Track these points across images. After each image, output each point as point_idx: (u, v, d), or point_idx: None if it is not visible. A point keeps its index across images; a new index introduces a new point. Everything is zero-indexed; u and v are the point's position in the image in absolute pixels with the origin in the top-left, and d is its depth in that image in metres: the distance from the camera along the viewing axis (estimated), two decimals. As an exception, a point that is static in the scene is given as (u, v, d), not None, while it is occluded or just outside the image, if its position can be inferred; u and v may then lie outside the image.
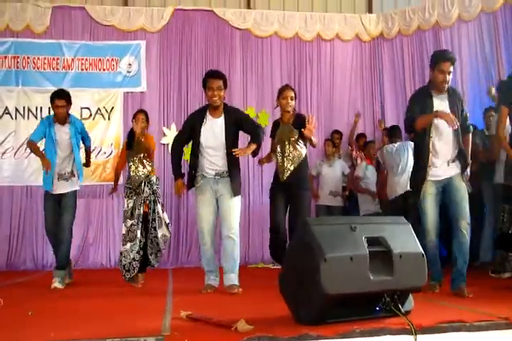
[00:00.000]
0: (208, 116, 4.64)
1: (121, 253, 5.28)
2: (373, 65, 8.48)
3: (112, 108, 7.78)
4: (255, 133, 4.62)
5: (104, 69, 7.74)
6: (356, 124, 8.12)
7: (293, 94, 5.10)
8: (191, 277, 5.74)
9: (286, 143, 5.05)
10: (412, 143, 6.85)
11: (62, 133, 5.32)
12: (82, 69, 7.68)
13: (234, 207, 4.60)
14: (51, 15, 7.68)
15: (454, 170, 4.34)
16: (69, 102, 5.42)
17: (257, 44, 8.20)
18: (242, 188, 4.97)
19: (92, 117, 7.69)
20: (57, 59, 7.62)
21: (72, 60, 7.65)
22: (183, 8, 8.10)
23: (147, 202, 5.38)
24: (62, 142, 5.32)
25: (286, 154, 5.05)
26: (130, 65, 7.82)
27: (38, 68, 7.59)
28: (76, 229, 5.97)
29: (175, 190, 4.85)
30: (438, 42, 7.70)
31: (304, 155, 5.09)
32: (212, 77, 4.60)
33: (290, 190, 5.02)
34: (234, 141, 4.62)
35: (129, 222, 5.27)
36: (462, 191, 4.29)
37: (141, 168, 5.46)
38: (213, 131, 4.59)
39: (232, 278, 4.54)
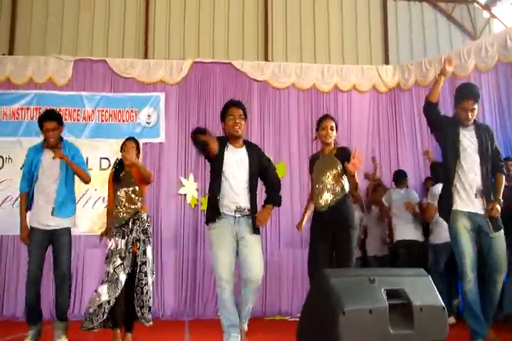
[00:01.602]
0: (229, 145, 4.17)
1: (93, 294, 4.60)
2: (390, 116, 8.50)
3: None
4: (274, 185, 4.31)
5: (123, 121, 7.86)
6: (376, 169, 7.62)
7: (333, 124, 4.63)
8: (209, 330, 5.39)
9: (328, 174, 4.52)
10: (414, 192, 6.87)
11: (53, 160, 4.76)
12: (102, 121, 7.81)
13: (258, 248, 4.09)
14: (73, 67, 7.89)
15: (483, 207, 4.13)
16: (60, 124, 4.88)
17: (274, 95, 8.30)
18: None
19: (112, 167, 7.73)
20: (78, 110, 7.77)
21: (93, 111, 7.80)
22: (202, 60, 8.29)
23: (136, 242, 4.72)
24: (52, 169, 4.77)
25: (328, 186, 4.50)
26: (149, 116, 7.93)
27: (59, 120, 7.74)
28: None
29: (209, 141, 4.01)
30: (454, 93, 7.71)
31: (347, 190, 4.49)
32: (234, 105, 4.22)
33: (333, 228, 4.43)
34: (256, 177, 4.20)
35: (117, 262, 4.59)
36: (499, 240, 4.10)
37: (128, 204, 4.84)
38: (236, 160, 4.14)
39: (245, 327, 4.13)
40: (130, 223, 4.78)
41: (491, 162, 4.22)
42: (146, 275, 4.70)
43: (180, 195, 7.81)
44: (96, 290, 4.59)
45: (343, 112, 8.37)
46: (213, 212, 4.09)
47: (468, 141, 4.21)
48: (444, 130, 4.27)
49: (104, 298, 4.48)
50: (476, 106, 4.22)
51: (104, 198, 7.36)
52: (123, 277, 4.59)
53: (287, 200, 7.94)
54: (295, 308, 7.25)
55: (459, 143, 4.18)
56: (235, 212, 4.08)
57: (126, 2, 8.75)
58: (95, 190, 7.38)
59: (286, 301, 7.58)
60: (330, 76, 8.40)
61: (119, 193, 4.88)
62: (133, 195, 4.86)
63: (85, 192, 7.42)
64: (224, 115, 4.23)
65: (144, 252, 4.74)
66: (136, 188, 4.87)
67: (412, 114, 8.33)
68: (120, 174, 4.92)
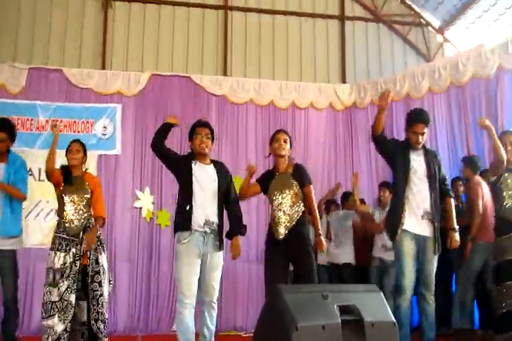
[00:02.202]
0: (197, 161, 4.29)
1: (44, 330, 4.26)
2: (346, 134, 8.64)
3: (86, 170, 7.68)
4: (235, 211, 4.37)
5: (78, 131, 7.70)
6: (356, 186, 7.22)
7: (287, 137, 4.60)
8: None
9: (284, 195, 4.47)
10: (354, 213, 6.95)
11: None
12: (56, 131, 7.66)
13: (218, 270, 4.24)
14: (27, 76, 7.71)
15: (428, 229, 4.28)
16: (12, 137, 4.70)
17: (232, 110, 8.32)
18: None
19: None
20: (32, 120, 7.59)
21: (47, 121, 7.61)
22: (160, 73, 8.24)
23: (87, 252, 4.48)
24: None
25: (284, 208, 4.46)
26: (105, 127, 7.83)
27: (12, 129, 7.55)
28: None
29: (170, 119, 4.31)
30: (409, 113, 7.92)
31: (303, 212, 4.48)
32: (201, 125, 4.37)
33: (290, 252, 4.42)
34: (224, 193, 4.29)
35: (64, 286, 4.31)
36: (434, 263, 4.28)
37: (83, 211, 4.60)
38: (205, 174, 4.25)
39: None
40: (80, 234, 4.54)
41: (439, 187, 4.37)
42: (100, 285, 4.46)
43: (136, 208, 7.70)
44: (46, 324, 4.29)
45: (300, 129, 8.45)
46: (184, 221, 4.13)
47: (417, 164, 4.35)
48: (394, 155, 4.42)
49: (60, 328, 4.27)
50: (426, 131, 4.39)
51: (56, 210, 7.20)
52: (72, 297, 4.37)
53: (244, 215, 7.91)
54: (250, 324, 7.21)
55: (409, 166, 4.32)
56: (203, 225, 4.14)
57: (84, 11, 8.63)
58: (47, 202, 7.20)
59: (241, 316, 7.55)
60: (288, 93, 8.49)
61: (68, 198, 4.59)
62: (85, 203, 4.65)
63: (37, 203, 7.26)
64: (191, 134, 4.36)
65: (96, 261, 4.51)
66: (88, 197, 4.65)
67: (367, 132, 8.45)
68: (70, 178, 4.66)
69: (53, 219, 7.08)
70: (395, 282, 4.78)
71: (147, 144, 7.83)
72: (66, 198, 4.60)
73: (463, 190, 6.34)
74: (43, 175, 7.15)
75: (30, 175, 7.24)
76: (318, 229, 4.48)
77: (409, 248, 4.23)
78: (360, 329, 2.83)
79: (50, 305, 4.33)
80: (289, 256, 4.42)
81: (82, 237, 4.50)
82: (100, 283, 4.46)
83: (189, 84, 8.26)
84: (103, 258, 4.58)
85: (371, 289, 3.18)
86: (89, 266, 4.48)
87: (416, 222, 4.27)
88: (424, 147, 4.47)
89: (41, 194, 7.15)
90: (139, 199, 7.70)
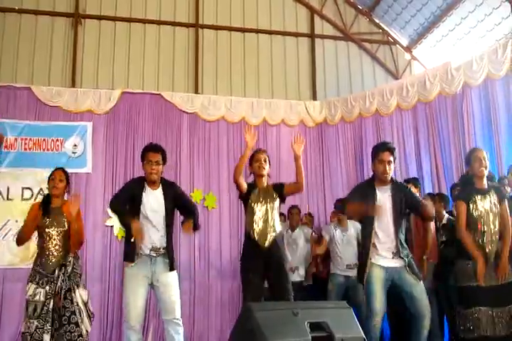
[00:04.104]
0: (147, 187, 4.33)
1: None
2: (318, 150, 8.71)
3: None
4: (191, 210, 4.44)
5: (48, 149, 7.63)
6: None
7: (266, 157, 4.70)
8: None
9: (269, 207, 4.59)
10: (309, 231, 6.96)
11: None
12: (25, 149, 7.54)
13: (174, 286, 4.24)
14: (-5, 94, 7.63)
15: (399, 263, 4.21)
16: None
17: (204, 128, 8.34)
18: (187, 268, 4.67)
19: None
20: (0, 138, 7.51)
21: (15, 139, 7.51)
22: (131, 90, 8.23)
23: (59, 293, 4.27)
24: None
25: (269, 219, 4.55)
26: (76, 145, 7.76)
27: (-22, 147, 7.44)
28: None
29: (136, 235, 4.10)
30: (378, 129, 8.05)
31: (281, 227, 4.70)
32: (152, 150, 4.37)
33: (271, 262, 4.47)
34: (172, 215, 4.37)
35: (34, 324, 4.14)
36: (419, 285, 4.19)
37: (59, 245, 4.39)
38: (153, 201, 4.29)
39: None
40: (56, 271, 4.33)
41: (417, 213, 4.41)
42: (77, 326, 4.26)
43: (107, 226, 7.62)
44: None
45: (272, 145, 8.49)
46: (130, 251, 4.22)
47: (383, 206, 4.23)
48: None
49: None
50: (392, 159, 4.28)
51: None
52: (46, 338, 4.15)
53: (216, 231, 7.93)
54: (223, 339, 7.15)
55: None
56: (150, 250, 4.20)
57: (54, 28, 8.58)
58: (16, 221, 7.07)
59: (214, 333, 7.48)
60: (259, 110, 8.55)
61: (45, 232, 4.38)
62: (61, 237, 4.41)
63: (5, 223, 7.14)
64: (142, 159, 4.38)
65: (71, 301, 4.29)
66: (65, 230, 4.41)
67: (338, 148, 8.57)
68: (49, 209, 4.45)
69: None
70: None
71: (118, 162, 7.87)
72: (44, 232, 4.41)
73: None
74: (11, 194, 7.14)
75: (-3, 193, 7.16)
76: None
77: (378, 275, 4.18)
78: (331, 346, 2.85)
79: (28, 337, 4.18)
80: (266, 270, 4.47)
81: (58, 275, 4.32)
82: (77, 324, 4.28)
83: (160, 102, 8.26)
84: (78, 296, 4.35)
85: (341, 305, 3.20)
86: (62, 307, 4.28)
87: (386, 259, 4.22)
88: (392, 181, 4.34)
89: (9, 213, 7.05)
90: (110, 217, 7.61)
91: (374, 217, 4.22)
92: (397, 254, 4.22)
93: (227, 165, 8.22)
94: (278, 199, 4.65)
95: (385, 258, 4.22)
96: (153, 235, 4.24)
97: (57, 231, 4.42)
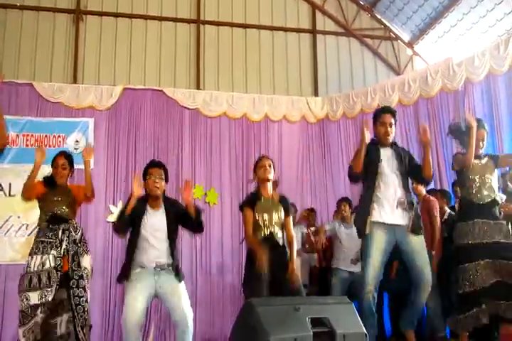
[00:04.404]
0: (148, 209, 4.21)
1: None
2: (319, 146, 8.71)
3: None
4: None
5: (50, 146, 7.61)
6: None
7: (270, 162, 4.62)
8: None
9: (274, 217, 4.48)
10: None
11: None
12: (26, 145, 7.55)
13: (181, 293, 4.11)
14: (-4, 90, 7.64)
15: (403, 218, 4.13)
16: None
17: (205, 124, 8.33)
18: (189, 264, 4.51)
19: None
20: (2, 134, 7.51)
21: (17, 135, 7.52)
22: (133, 87, 8.23)
23: (67, 255, 4.27)
24: None
25: (276, 229, 4.47)
26: (77, 141, 7.76)
27: (-19, 143, 7.44)
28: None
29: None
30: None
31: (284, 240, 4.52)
32: (155, 166, 4.29)
33: (274, 270, 4.28)
34: (176, 231, 4.27)
35: (35, 294, 4.12)
36: (422, 250, 4.12)
37: (66, 210, 4.43)
38: (155, 222, 4.17)
39: None
40: (60, 233, 4.33)
41: (414, 175, 4.31)
42: (85, 291, 4.25)
43: (109, 222, 7.62)
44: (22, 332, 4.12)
45: (274, 141, 8.51)
46: (126, 272, 4.07)
47: (387, 161, 4.23)
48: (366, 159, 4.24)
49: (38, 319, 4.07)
50: (393, 121, 4.30)
51: (27, 225, 7.09)
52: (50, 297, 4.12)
53: (218, 227, 7.94)
54: (225, 336, 7.17)
55: (379, 164, 4.21)
56: (154, 268, 4.08)
57: (55, 24, 8.57)
58: (18, 217, 7.11)
59: (216, 329, 7.48)
60: (261, 106, 8.54)
61: (56, 199, 4.41)
62: (66, 206, 4.45)
63: (7, 219, 7.15)
64: (145, 174, 4.27)
65: (79, 264, 4.29)
66: (70, 200, 4.48)
67: (339, 144, 8.56)
68: (54, 184, 4.48)
69: (24, 235, 7.01)
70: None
71: (120, 158, 7.87)
72: (48, 200, 4.44)
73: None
74: (13, 190, 7.12)
75: (0, 190, 7.17)
76: (293, 258, 4.43)
77: (379, 241, 4.08)
78: (332, 341, 2.86)
79: (29, 310, 4.17)
80: (273, 275, 4.27)
81: (61, 238, 4.30)
82: (85, 288, 4.27)
83: (162, 98, 8.26)
84: (86, 261, 4.37)
85: (342, 301, 3.21)
86: (71, 271, 4.27)
87: (389, 212, 4.13)
88: (393, 144, 4.35)
89: (11, 209, 7.05)
90: (112, 213, 7.63)
91: (377, 170, 4.18)
92: (402, 205, 4.14)
93: (228, 161, 8.23)
94: (282, 214, 4.53)
95: (388, 209, 4.13)
96: (158, 251, 4.11)
97: (62, 200, 4.43)
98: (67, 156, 4.69)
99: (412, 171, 4.31)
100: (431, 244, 5.49)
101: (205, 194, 8.00)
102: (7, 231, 7.18)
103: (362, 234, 4.19)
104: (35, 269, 4.21)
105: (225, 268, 7.71)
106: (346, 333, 2.91)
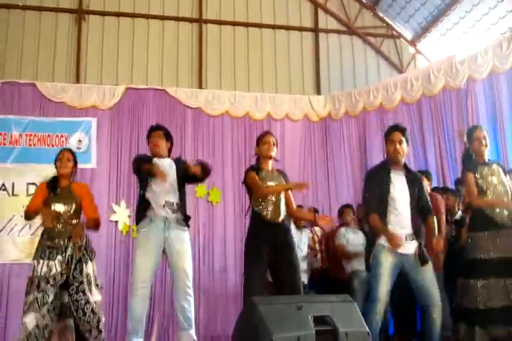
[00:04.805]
0: (155, 159, 4.46)
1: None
2: (322, 145, 8.70)
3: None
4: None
5: (52, 145, 7.62)
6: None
7: (275, 140, 4.63)
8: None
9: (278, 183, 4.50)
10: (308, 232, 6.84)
11: None
12: (29, 145, 7.56)
13: (188, 255, 4.30)
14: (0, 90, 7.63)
15: (412, 247, 4.04)
16: None
17: (208, 122, 8.33)
18: (192, 262, 4.50)
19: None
20: (5, 134, 7.50)
21: (20, 135, 7.54)
22: (135, 86, 8.23)
23: (70, 263, 4.25)
24: None
25: (278, 199, 4.44)
26: (80, 141, 7.77)
27: (-16, 143, 7.47)
28: None
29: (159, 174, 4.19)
30: (382, 124, 8.02)
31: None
32: (153, 129, 4.68)
33: (281, 244, 4.32)
34: (182, 181, 4.44)
35: (39, 294, 4.10)
36: (429, 273, 4.05)
37: (69, 219, 4.39)
38: (164, 167, 4.35)
39: (193, 334, 4.22)
40: (65, 241, 4.29)
41: (421, 208, 4.22)
42: (84, 294, 4.19)
43: (112, 221, 7.64)
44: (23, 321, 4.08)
45: (276, 140, 8.46)
46: (142, 213, 4.32)
47: (399, 188, 4.14)
48: (378, 185, 4.17)
49: (36, 321, 4.04)
50: (403, 139, 4.22)
51: (31, 225, 7.09)
52: (51, 298, 4.11)
53: (220, 226, 7.94)
54: (228, 334, 7.17)
55: (390, 191, 4.12)
56: (163, 206, 4.28)
57: (57, 24, 8.58)
58: (21, 216, 7.07)
59: (219, 326, 7.48)
60: (263, 104, 8.54)
61: (54, 207, 4.37)
62: (72, 212, 4.41)
63: (11, 218, 7.17)
64: (148, 137, 4.66)
65: (81, 272, 4.25)
66: (75, 206, 4.41)
67: (342, 142, 8.55)
68: (57, 188, 4.44)
69: (27, 234, 7.03)
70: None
71: (123, 157, 7.87)
72: (52, 207, 4.38)
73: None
74: (17, 190, 7.16)
75: (4, 190, 7.18)
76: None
77: (386, 260, 4.00)
78: (335, 339, 2.86)
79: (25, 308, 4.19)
80: (274, 255, 4.28)
81: (66, 245, 4.27)
82: (84, 292, 4.21)
83: (164, 97, 8.26)
84: (89, 268, 4.32)
85: (345, 299, 3.20)
86: (71, 276, 4.23)
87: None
88: (405, 167, 4.27)
89: (15, 209, 7.06)
90: (115, 212, 7.65)
91: (388, 199, 4.10)
92: (410, 237, 4.06)
93: (231, 160, 8.23)
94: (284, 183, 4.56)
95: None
96: (166, 194, 4.33)
97: (66, 207, 4.40)
98: (72, 152, 4.72)
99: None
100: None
101: (208, 193, 8.00)
102: (11, 230, 7.19)
103: (368, 262, 4.14)
104: (42, 274, 4.19)
105: (228, 265, 7.71)
106: (349, 331, 2.91)
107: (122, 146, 7.93)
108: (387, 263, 4.01)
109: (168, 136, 4.66)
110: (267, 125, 8.49)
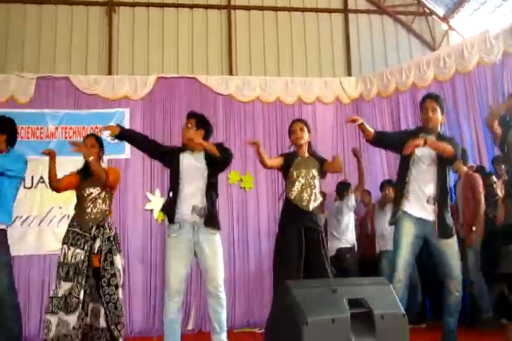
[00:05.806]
0: (186, 151, 4.29)
1: (46, 326, 4.11)
2: (354, 127, 8.57)
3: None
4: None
5: (88, 137, 7.75)
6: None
7: (302, 125, 4.63)
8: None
9: (312, 174, 4.52)
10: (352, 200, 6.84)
11: None
12: (65, 138, 7.66)
13: (217, 257, 4.18)
14: (35, 85, 7.78)
15: (433, 213, 4.02)
16: (5, 132, 4.20)
17: (239, 109, 8.33)
18: (226, 251, 4.56)
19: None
20: (41, 128, 7.66)
21: (56, 128, 7.69)
22: (166, 75, 8.27)
23: (99, 253, 4.29)
24: None
25: (311, 186, 4.49)
26: (114, 132, 7.85)
27: (22, 138, 7.54)
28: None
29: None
30: (415, 103, 7.87)
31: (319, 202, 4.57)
32: (188, 116, 4.36)
33: (312, 232, 4.38)
34: (213, 179, 4.26)
35: (68, 284, 4.17)
36: (450, 246, 4.00)
37: (99, 204, 4.47)
38: (193, 161, 4.23)
39: (224, 338, 4.22)
40: (93, 229, 4.36)
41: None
42: (117, 289, 4.30)
43: (147, 210, 7.74)
44: (47, 318, 4.15)
45: (306, 123, 8.41)
46: (170, 213, 4.18)
47: (423, 151, 4.06)
48: (402, 143, 4.06)
49: (71, 322, 4.09)
50: (436, 107, 4.16)
51: (68, 216, 7.23)
52: (81, 295, 4.16)
53: (254, 212, 7.97)
54: (264, 320, 7.20)
55: (414, 152, 4.06)
56: (191, 211, 4.13)
57: (88, 17, 8.73)
58: (60, 208, 7.29)
59: (255, 313, 7.51)
60: (293, 88, 8.47)
61: (84, 192, 4.47)
62: (106, 195, 4.52)
63: (50, 210, 7.34)
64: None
65: (112, 263, 4.32)
66: (105, 192, 4.52)
67: (374, 124, 8.43)
68: (88, 175, 4.51)
69: (66, 225, 7.17)
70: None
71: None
72: (84, 190, 4.51)
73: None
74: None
75: (42, 182, 7.34)
76: None
77: (407, 228, 3.99)
78: (370, 322, 2.83)
79: (54, 301, 4.23)
80: (304, 241, 4.33)
81: (94, 234, 4.34)
82: (117, 286, 4.31)
83: (195, 85, 8.28)
84: (118, 260, 4.40)
85: (380, 282, 3.18)
86: (102, 269, 4.30)
87: (419, 206, 4.04)
88: (438, 134, 4.20)
89: (53, 200, 7.21)
90: (150, 201, 7.75)
91: (410, 160, 4.08)
92: (432, 200, 4.02)
93: (263, 146, 8.16)
94: (320, 168, 4.57)
95: (418, 204, 4.04)
96: (194, 196, 4.16)
97: (96, 191, 4.50)
98: (97, 137, 4.79)
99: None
100: (473, 220, 5.43)
101: (241, 179, 8.02)
102: (50, 221, 7.37)
103: (392, 223, 4.15)
104: (73, 262, 4.28)
105: (262, 253, 7.73)
106: (384, 313, 2.87)
107: (155, 135, 7.90)
108: (407, 235, 4.00)
109: (199, 126, 4.29)
110: (298, 109, 8.45)
